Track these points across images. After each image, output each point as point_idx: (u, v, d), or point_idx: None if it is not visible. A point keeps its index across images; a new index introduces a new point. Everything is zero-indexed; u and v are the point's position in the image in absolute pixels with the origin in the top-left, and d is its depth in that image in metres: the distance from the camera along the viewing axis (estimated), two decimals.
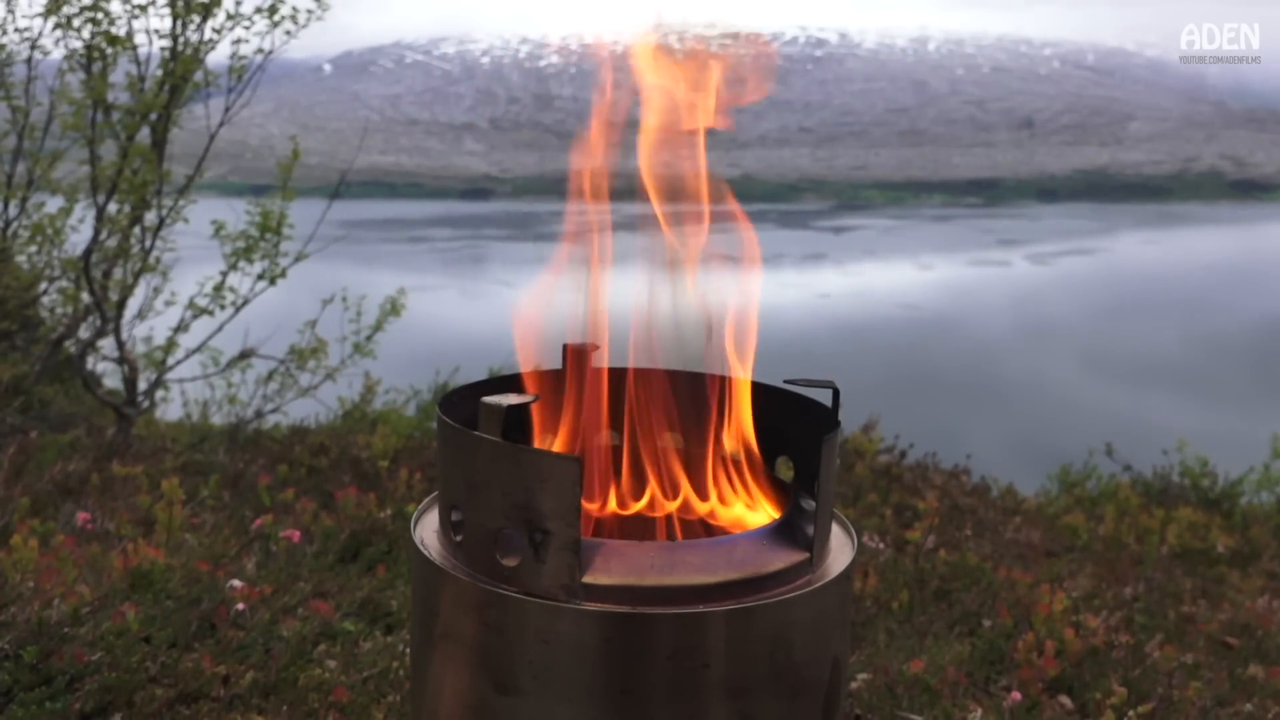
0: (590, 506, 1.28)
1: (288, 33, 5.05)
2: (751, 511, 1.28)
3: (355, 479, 4.00)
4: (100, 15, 4.68)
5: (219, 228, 5.27)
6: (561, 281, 1.28)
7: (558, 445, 1.27)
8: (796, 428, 1.29)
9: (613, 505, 1.30)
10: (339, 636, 2.35)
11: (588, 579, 1.06)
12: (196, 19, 4.87)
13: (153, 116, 4.88)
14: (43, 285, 5.59)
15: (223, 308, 5.31)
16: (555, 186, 1.28)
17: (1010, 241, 66.67)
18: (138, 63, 4.88)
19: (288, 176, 5.30)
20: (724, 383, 1.29)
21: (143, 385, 5.32)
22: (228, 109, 5.15)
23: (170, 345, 5.30)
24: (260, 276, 5.30)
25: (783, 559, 1.13)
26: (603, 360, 1.32)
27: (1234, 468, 6.09)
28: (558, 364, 1.32)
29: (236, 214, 5.30)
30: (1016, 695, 2.44)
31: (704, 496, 1.29)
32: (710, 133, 1.28)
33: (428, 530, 1.23)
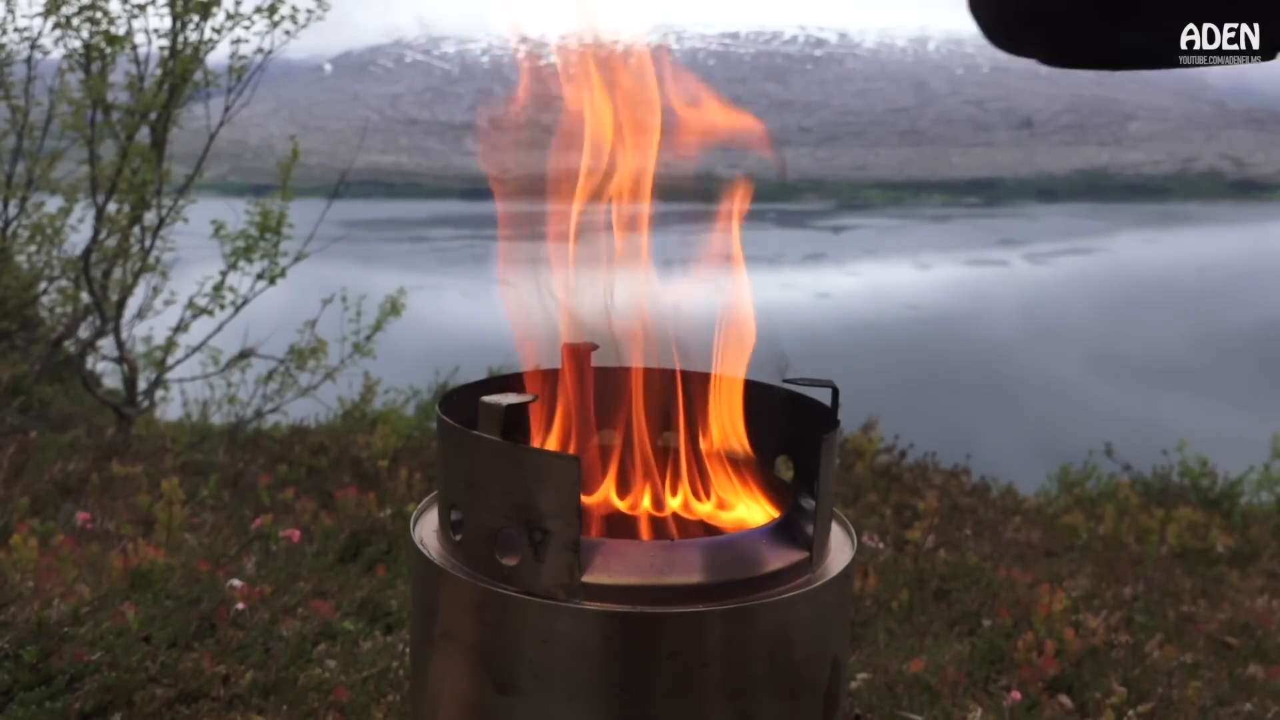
0: (590, 505, 1.28)
1: (287, 32, 5.06)
2: (751, 511, 1.28)
3: (355, 479, 4.00)
4: (99, 15, 4.68)
5: (219, 227, 5.28)
6: (557, 280, 1.27)
7: (556, 445, 1.27)
8: (796, 427, 1.29)
9: (613, 504, 1.29)
10: (339, 636, 2.35)
11: (587, 578, 1.06)
12: (196, 18, 4.88)
13: (152, 116, 4.89)
14: (42, 285, 5.59)
15: (222, 307, 5.32)
16: (545, 186, 1.28)
17: (1010, 241, 66.65)
18: (137, 62, 4.89)
19: (287, 176, 5.31)
20: (722, 381, 1.29)
21: (142, 385, 5.33)
22: (227, 109, 5.16)
23: (170, 345, 5.31)
24: (260, 276, 5.31)
25: (782, 558, 1.13)
26: (601, 359, 1.32)
27: (1234, 468, 6.08)
28: (555, 364, 1.32)
29: (236, 214, 5.31)
30: (1016, 695, 2.44)
31: (703, 496, 1.29)
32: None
33: (427, 530, 1.23)
